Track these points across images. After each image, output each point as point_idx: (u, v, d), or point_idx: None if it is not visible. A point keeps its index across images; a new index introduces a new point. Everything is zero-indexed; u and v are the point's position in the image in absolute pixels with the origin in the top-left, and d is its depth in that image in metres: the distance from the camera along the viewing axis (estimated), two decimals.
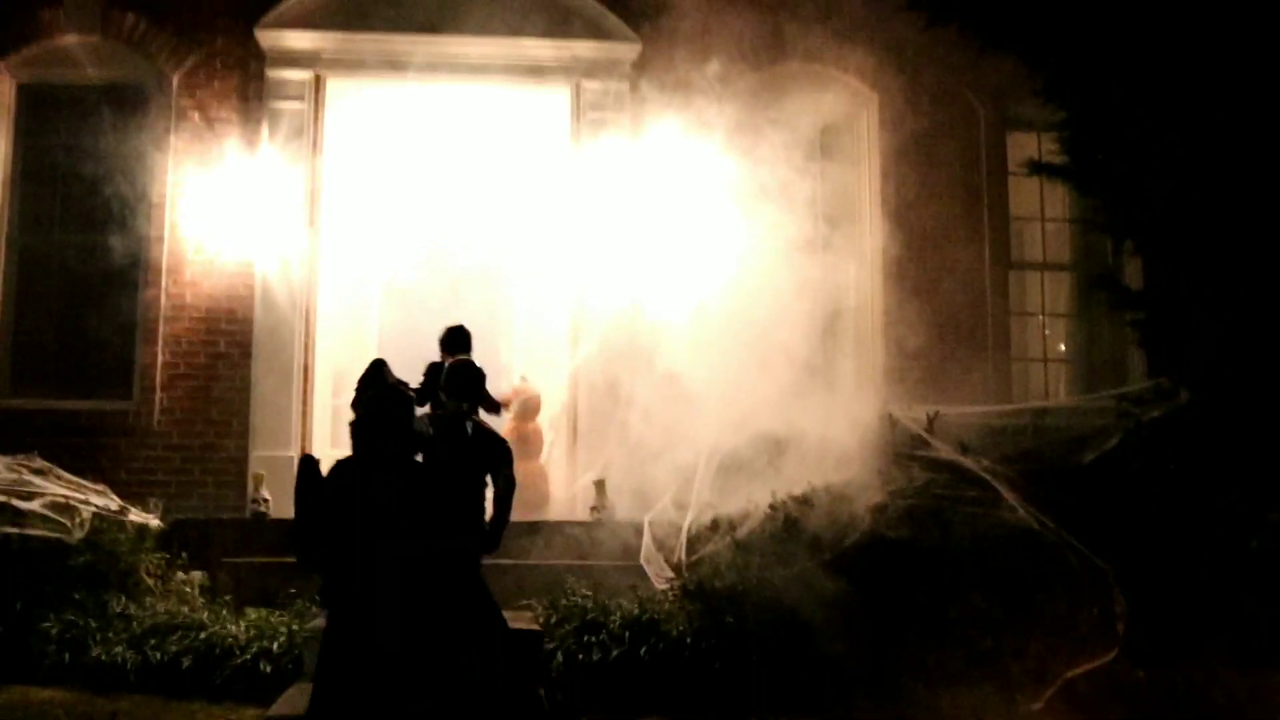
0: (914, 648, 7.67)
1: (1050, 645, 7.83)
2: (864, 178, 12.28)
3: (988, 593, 7.92)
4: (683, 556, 8.76)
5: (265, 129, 11.46)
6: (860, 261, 12.21)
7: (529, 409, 11.19)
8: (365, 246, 12.58)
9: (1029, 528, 8.41)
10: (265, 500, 10.06)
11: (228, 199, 11.33)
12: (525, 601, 8.58)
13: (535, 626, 8.08)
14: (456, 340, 9.29)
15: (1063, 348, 13.03)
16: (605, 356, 11.24)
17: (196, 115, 11.54)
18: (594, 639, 7.82)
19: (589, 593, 8.41)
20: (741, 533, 8.57)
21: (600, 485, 10.22)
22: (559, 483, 11.53)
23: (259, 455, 10.98)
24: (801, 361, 10.34)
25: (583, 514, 10.44)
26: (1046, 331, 13.05)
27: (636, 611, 8.04)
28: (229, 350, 11.34)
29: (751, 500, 9.00)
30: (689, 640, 7.77)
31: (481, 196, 12.59)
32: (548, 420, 12.00)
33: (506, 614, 8.28)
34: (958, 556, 8.13)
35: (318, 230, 11.53)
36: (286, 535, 9.30)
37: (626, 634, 7.81)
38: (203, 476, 11.12)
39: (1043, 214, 12.72)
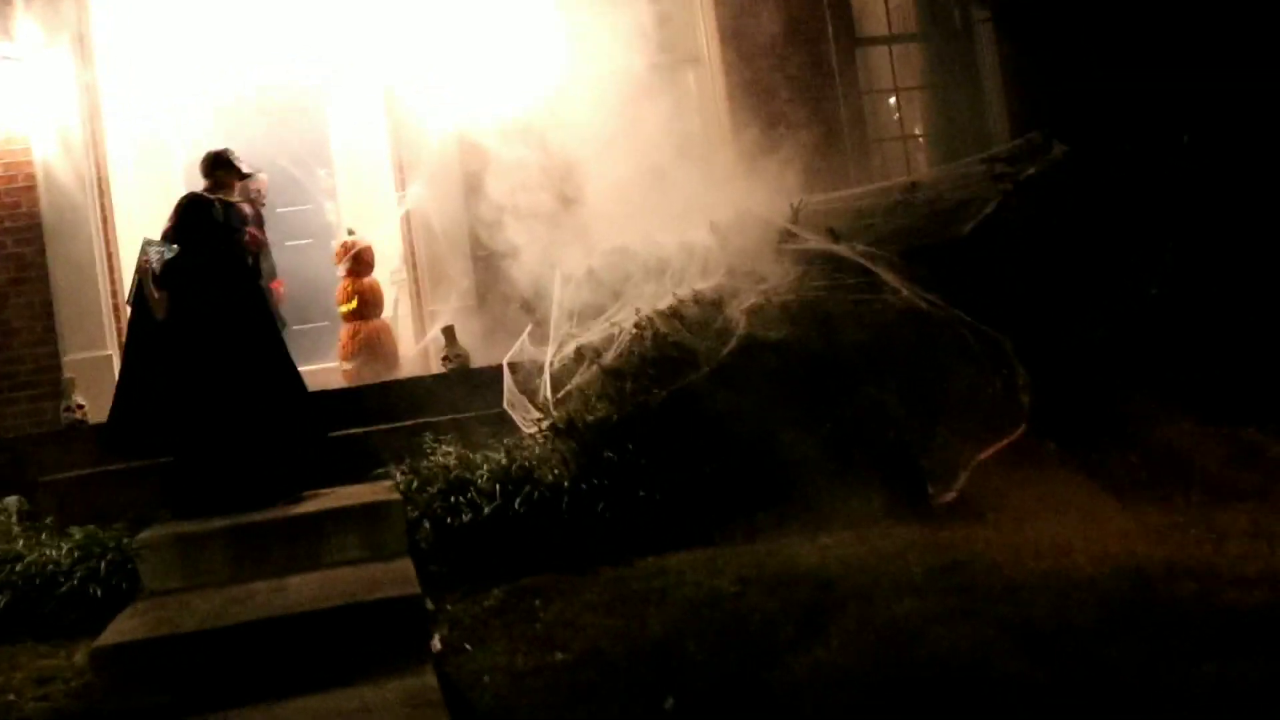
0: (811, 455, 7.00)
1: (955, 430, 7.22)
2: None
3: (881, 384, 7.27)
4: (548, 394, 7.96)
5: None
6: (699, 58, 11.35)
7: (362, 263, 10.20)
8: (159, 98, 11.32)
9: (916, 309, 7.75)
10: (80, 406, 9.00)
11: None
12: (382, 470, 7.75)
13: (394, 496, 7.25)
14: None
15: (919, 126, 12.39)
16: (437, 193, 10.29)
17: None
18: (461, 499, 7.03)
19: (450, 449, 7.59)
20: (609, 358, 7.77)
21: (449, 332, 9.34)
22: (408, 340, 10.65)
23: (72, 359, 9.88)
24: (647, 169, 9.52)
25: (436, 367, 9.58)
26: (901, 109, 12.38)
27: (505, 462, 7.26)
28: (19, 249, 10.11)
29: (615, 324, 8.18)
30: (567, 484, 7.01)
31: (280, 18, 11.37)
32: (388, 274, 11.05)
33: (362, 487, 7.57)
34: (844, 350, 7.45)
35: (95, 88, 10.26)
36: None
37: (496, 488, 7.03)
38: (13, 393, 9.97)
39: None
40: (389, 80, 10.44)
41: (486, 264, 10.37)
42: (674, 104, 10.32)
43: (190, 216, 8.17)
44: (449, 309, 10.17)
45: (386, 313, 10.97)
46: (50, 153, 10.02)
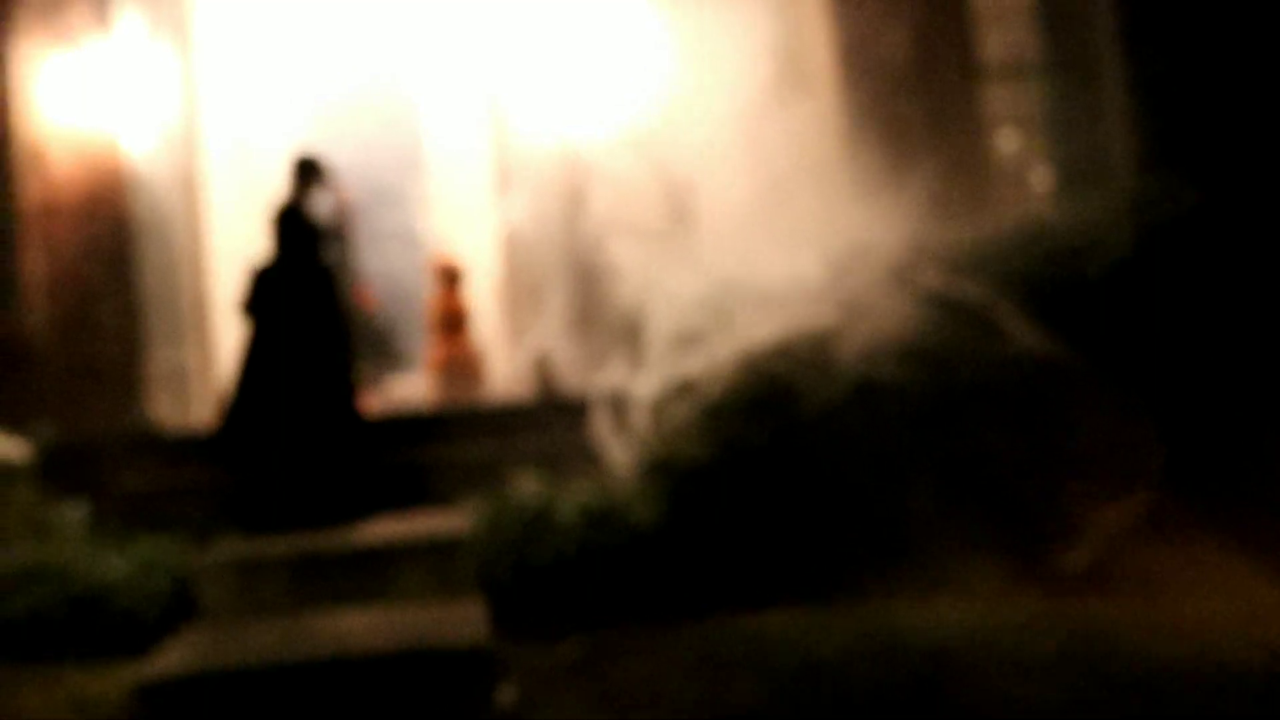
0: (925, 509, 6.44)
1: (1084, 489, 6.62)
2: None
3: (1002, 434, 6.69)
4: (642, 428, 7.47)
5: None
6: (816, 82, 10.83)
7: (453, 277, 9.81)
8: (256, 95, 11.03)
9: (1040, 356, 7.16)
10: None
11: (88, 68, 9.78)
12: (459, 498, 7.33)
13: (469, 528, 6.81)
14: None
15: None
16: (538, 207, 9.89)
17: None
18: (542, 536, 6.56)
19: (533, 480, 7.13)
20: (709, 394, 7.25)
21: (542, 355, 8.90)
22: (495, 361, 10.23)
23: (155, 363, 9.61)
24: (758, 196, 9.08)
25: (526, 391, 9.15)
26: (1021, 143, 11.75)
27: (590, 500, 6.78)
28: (110, 247, 9.87)
29: (718, 359, 7.68)
30: (657, 528, 6.52)
31: (382, 28, 11.06)
32: (486, 289, 10.65)
33: (437, 516, 7.18)
34: (962, 396, 6.88)
35: (193, 90, 10.03)
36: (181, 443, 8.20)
37: (580, 526, 6.56)
38: (96, 394, 9.70)
39: None
40: (494, 87, 10.08)
41: (586, 284, 9.94)
42: (788, 130, 9.82)
43: (288, 226, 7.92)
44: (544, 330, 9.75)
45: (482, 329, 10.60)
46: (143, 149, 9.77)
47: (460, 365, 9.59)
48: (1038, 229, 8.46)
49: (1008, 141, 11.52)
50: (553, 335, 9.69)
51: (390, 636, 5.74)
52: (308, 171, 8.34)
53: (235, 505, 7.61)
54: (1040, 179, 11.58)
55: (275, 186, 11.15)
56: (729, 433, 6.88)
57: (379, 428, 8.13)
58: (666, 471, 6.80)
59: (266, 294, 7.92)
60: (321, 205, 8.52)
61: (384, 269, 11.10)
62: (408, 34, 11.17)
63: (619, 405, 8.00)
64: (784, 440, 6.77)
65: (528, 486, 7.05)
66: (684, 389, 7.55)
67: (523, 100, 9.94)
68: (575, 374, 9.34)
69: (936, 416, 6.69)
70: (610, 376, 8.31)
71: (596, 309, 9.46)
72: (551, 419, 8.37)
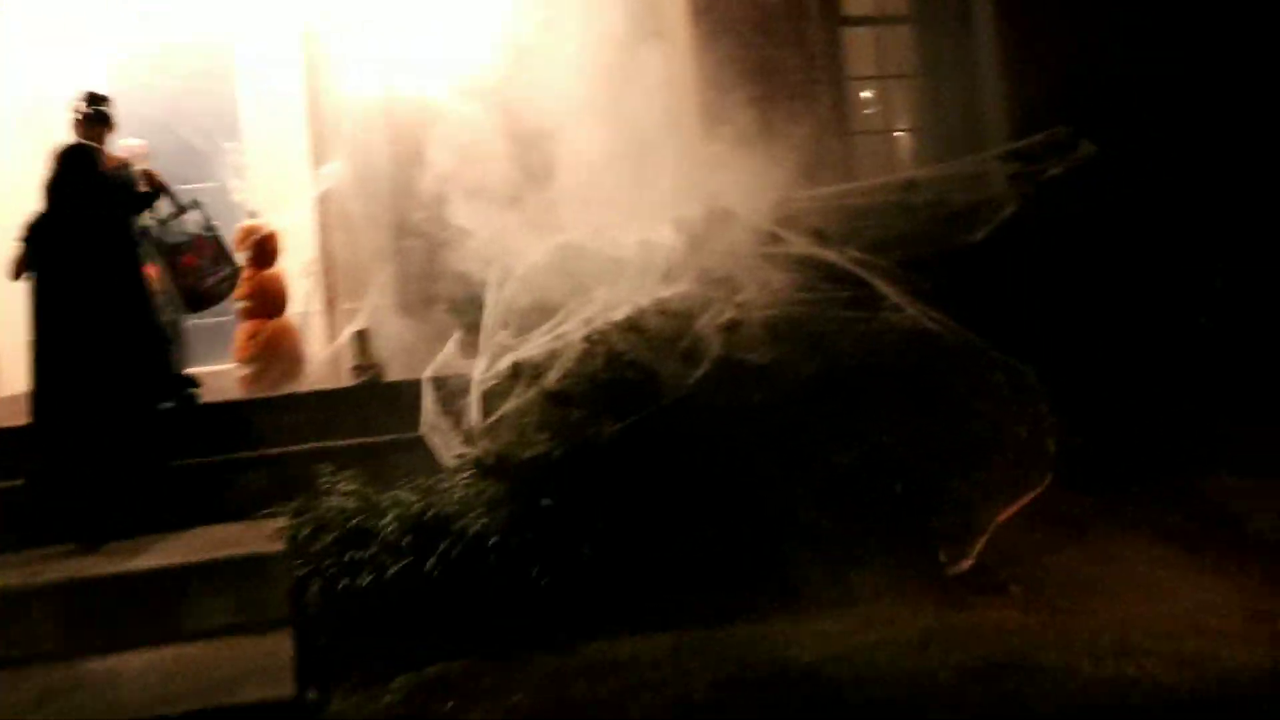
0: (799, 510, 5.63)
1: (972, 482, 5.87)
2: None
3: (882, 423, 5.91)
4: (477, 419, 6.52)
5: None
6: (666, 33, 9.90)
7: (265, 251, 8.69)
8: (51, 53, 9.73)
9: (922, 330, 6.40)
10: None
11: None
12: (268, 510, 6.27)
13: (278, 547, 5.79)
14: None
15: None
16: (358, 170, 8.83)
17: None
18: (362, 554, 5.58)
19: (353, 485, 6.14)
20: (551, 379, 6.33)
21: (363, 337, 7.89)
22: (319, 342, 9.16)
23: None
24: (604, 156, 8.15)
25: (347, 378, 8.11)
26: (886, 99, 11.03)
27: (418, 506, 5.81)
28: None
29: (561, 336, 6.76)
30: (494, 539, 5.56)
31: None
32: (301, 265, 9.53)
33: (242, 529, 6.14)
34: (838, 378, 6.07)
35: None
36: None
37: (406, 540, 5.59)
38: None
39: None
40: (307, 24, 8.94)
41: (413, 256, 8.91)
42: (636, 84, 8.87)
43: (72, 165, 6.85)
44: (368, 308, 8.72)
45: (299, 309, 9.49)
46: None
47: (274, 349, 8.49)
48: (914, 187, 7.70)
49: (874, 95, 10.80)
50: (380, 313, 8.67)
51: (176, 692, 4.73)
52: (98, 111, 7.22)
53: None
54: (912, 136, 10.89)
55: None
56: (576, 423, 5.96)
57: (176, 420, 7.04)
58: (504, 471, 5.87)
59: (46, 249, 6.81)
60: (113, 149, 7.42)
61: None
62: None
63: (454, 392, 7.05)
64: (639, 432, 5.88)
65: (345, 495, 6.04)
66: (526, 372, 6.63)
67: (345, 44, 8.86)
68: (407, 357, 8.37)
69: (813, 401, 5.88)
70: (446, 360, 7.38)
71: (432, 283, 8.46)
72: (376, 411, 7.37)
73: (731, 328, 6.24)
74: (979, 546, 5.72)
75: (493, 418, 6.52)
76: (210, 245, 8.00)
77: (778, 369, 6.03)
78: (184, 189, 10.23)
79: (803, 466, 5.72)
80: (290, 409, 7.37)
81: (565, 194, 8.03)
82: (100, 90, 7.70)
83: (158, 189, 7.76)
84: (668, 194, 8.10)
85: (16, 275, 6.97)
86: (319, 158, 9.04)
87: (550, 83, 8.34)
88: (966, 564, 5.69)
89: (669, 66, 9.49)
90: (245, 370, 8.50)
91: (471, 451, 6.31)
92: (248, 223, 8.76)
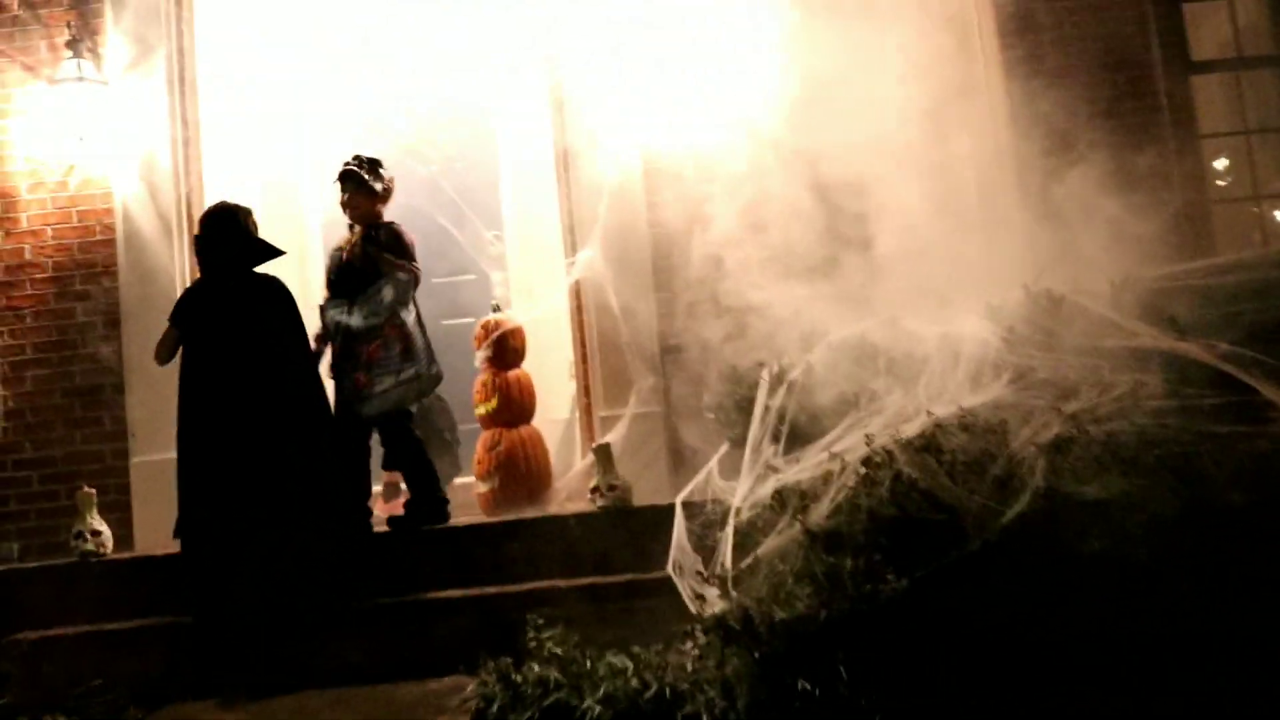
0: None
1: None
2: None
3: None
4: (726, 562, 5.15)
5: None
6: (973, 88, 8.36)
7: (508, 349, 7.61)
8: (273, 135, 9.08)
9: None
10: (96, 534, 6.65)
11: (66, 104, 7.97)
12: (463, 669, 5.04)
13: None
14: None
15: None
16: (616, 259, 7.72)
17: None
18: None
19: (562, 644, 4.84)
20: (818, 513, 4.88)
21: (603, 454, 6.63)
22: (569, 456, 8.03)
23: (140, 461, 7.66)
24: (900, 235, 6.82)
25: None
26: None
27: (637, 681, 4.47)
28: (90, 319, 8.00)
29: (838, 456, 5.31)
30: None
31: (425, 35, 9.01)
32: (555, 364, 8.44)
33: (424, 688, 4.94)
34: (1212, 521, 4.39)
35: (196, 125, 8.13)
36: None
37: None
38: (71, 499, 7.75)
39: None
40: (555, 87, 7.92)
41: (678, 358, 7.72)
42: (940, 148, 7.45)
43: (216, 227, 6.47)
44: (629, 416, 7.53)
45: (559, 414, 8.41)
46: (132, 194, 7.97)
47: (515, 463, 7.35)
48: None
49: (1232, 154, 8.93)
50: (643, 422, 7.48)
51: None
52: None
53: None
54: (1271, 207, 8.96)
55: (306, 234, 9.33)
56: (846, 576, 4.49)
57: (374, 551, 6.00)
58: (752, 636, 4.45)
59: (196, 331, 6.00)
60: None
61: (450, 345, 8.90)
62: (472, 39, 9.04)
63: (712, 522, 5.71)
64: (933, 589, 4.36)
65: (550, 657, 4.74)
66: (792, 501, 5.21)
67: (597, 111, 7.78)
68: (663, 476, 7.15)
69: (1176, 554, 4.22)
70: (706, 480, 6.07)
71: (702, 385, 7.25)
72: (618, 543, 6.14)
73: (1060, 448, 4.65)
74: None
75: (749, 558, 5.14)
76: (401, 337, 6.86)
77: (1125, 506, 4.40)
78: (442, 282, 9.43)
79: (1166, 648, 4.07)
80: (514, 538, 6.21)
81: (856, 277, 6.73)
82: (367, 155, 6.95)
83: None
84: (980, 275, 6.61)
85: (165, 359, 6.26)
86: (574, 243, 7.93)
87: (837, 149, 7.08)
88: None
89: (980, 126, 8.02)
90: (482, 487, 7.40)
91: (716, 605, 4.93)
92: (488, 317, 7.69)
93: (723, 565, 5.15)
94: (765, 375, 6.29)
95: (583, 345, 7.84)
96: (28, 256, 8.02)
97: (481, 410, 7.55)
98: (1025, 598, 4.26)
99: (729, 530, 5.33)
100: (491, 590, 5.79)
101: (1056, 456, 4.61)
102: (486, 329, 7.59)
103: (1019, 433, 4.87)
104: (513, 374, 7.58)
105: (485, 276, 9.64)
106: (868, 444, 4.98)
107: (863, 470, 4.91)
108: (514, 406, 7.50)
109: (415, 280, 6.85)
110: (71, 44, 7.93)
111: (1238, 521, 4.29)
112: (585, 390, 7.81)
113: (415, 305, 6.94)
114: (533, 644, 4.96)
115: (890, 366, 5.96)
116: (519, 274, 9.30)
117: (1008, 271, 6.38)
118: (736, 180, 7.50)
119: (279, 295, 6.36)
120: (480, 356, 7.57)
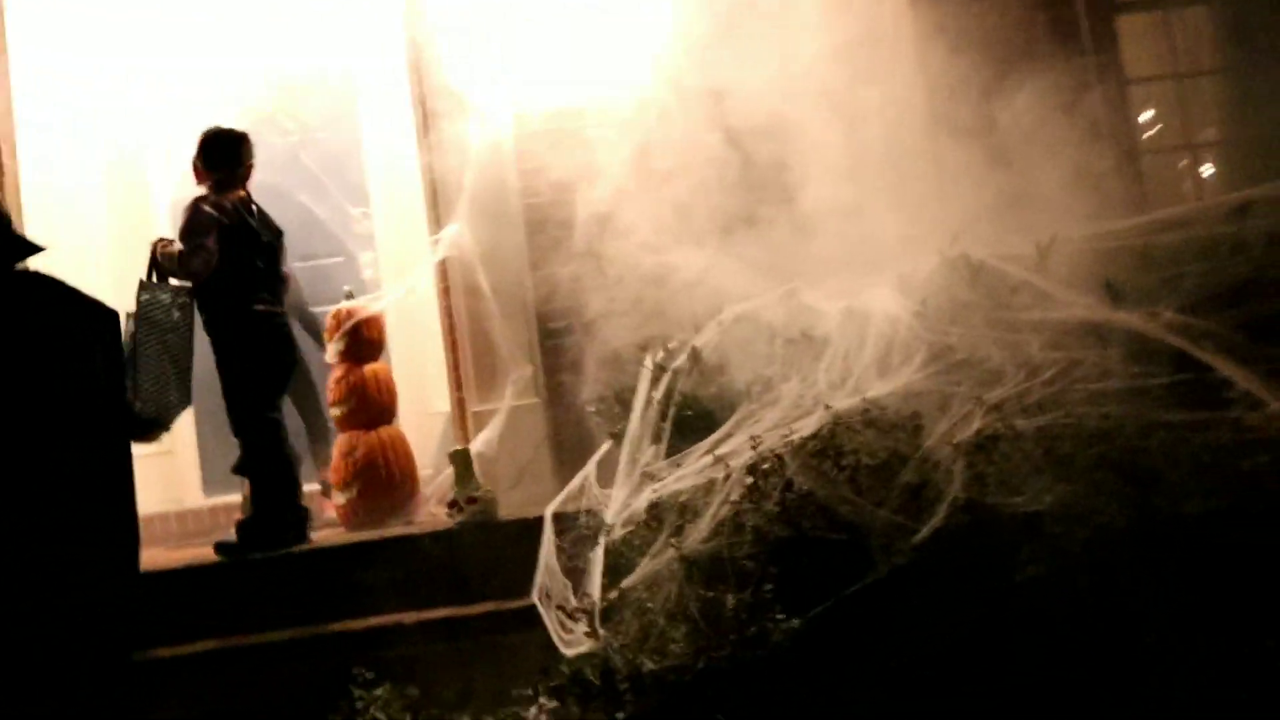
0: None
1: None
2: None
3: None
4: (594, 591, 4.32)
5: None
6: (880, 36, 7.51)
7: (363, 341, 6.69)
8: (76, 111, 8.10)
9: None
10: None
11: None
12: None
13: None
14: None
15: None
16: (486, 231, 6.81)
17: None
18: None
19: (381, 714, 3.98)
20: (697, 534, 4.05)
21: (461, 460, 5.76)
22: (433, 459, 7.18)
23: None
24: (799, 194, 6.01)
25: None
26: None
27: None
28: None
29: (723, 458, 4.47)
30: None
31: None
32: (434, 351, 7.51)
33: None
34: (1172, 536, 3.60)
35: (6, 100, 7.12)
36: None
37: None
38: None
39: None
40: (412, 41, 7.00)
41: (560, 343, 6.86)
42: (841, 99, 6.62)
43: None
44: (505, 411, 6.66)
45: (439, 407, 7.52)
46: None
47: (375, 470, 6.43)
48: (1250, 213, 5.21)
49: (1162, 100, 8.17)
50: (514, 419, 6.62)
51: None
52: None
53: None
54: (1216, 151, 8.21)
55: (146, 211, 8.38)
56: (728, 613, 3.66)
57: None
58: (612, 696, 3.61)
59: None
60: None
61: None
62: None
63: (584, 538, 4.88)
64: (833, 628, 3.54)
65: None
66: (669, 518, 4.39)
67: (460, 67, 6.86)
68: (544, 479, 6.30)
69: (1131, 579, 3.42)
70: (580, 487, 5.25)
71: (579, 379, 6.42)
72: (478, 565, 5.28)
73: (983, 447, 3.84)
74: None
75: (622, 584, 4.32)
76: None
77: (1062, 518, 3.60)
78: (308, 266, 8.51)
79: (1119, 693, 3.28)
80: (358, 563, 5.30)
81: (749, 246, 5.96)
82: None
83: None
84: (887, 240, 5.84)
85: None
86: (439, 218, 7.03)
87: (728, 101, 6.31)
88: None
89: (887, 70, 7.16)
90: (340, 497, 6.51)
91: (582, 643, 4.10)
92: (340, 305, 6.78)
93: (589, 596, 4.32)
94: (648, 362, 5.45)
95: (452, 332, 6.95)
96: None
97: (336, 412, 6.65)
98: (943, 637, 3.45)
99: (598, 552, 4.49)
100: (332, 628, 4.90)
101: (978, 457, 3.80)
102: (338, 319, 6.67)
103: (933, 429, 4.05)
104: (369, 369, 6.67)
105: (354, 258, 8.75)
106: (753, 447, 4.14)
107: (749, 480, 4.08)
108: (372, 406, 6.59)
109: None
110: None
111: (1199, 529, 3.51)
112: (457, 383, 6.93)
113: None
114: (359, 703, 4.09)
115: (787, 349, 5.15)
116: (389, 253, 8.38)
117: (918, 236, 5.61)
118: (621, 143, 6.65)
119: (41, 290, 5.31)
120: (332, 351, 6.65)
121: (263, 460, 5.94)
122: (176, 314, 5.49)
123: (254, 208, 6.17)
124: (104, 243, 8.00)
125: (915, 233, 5.52)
